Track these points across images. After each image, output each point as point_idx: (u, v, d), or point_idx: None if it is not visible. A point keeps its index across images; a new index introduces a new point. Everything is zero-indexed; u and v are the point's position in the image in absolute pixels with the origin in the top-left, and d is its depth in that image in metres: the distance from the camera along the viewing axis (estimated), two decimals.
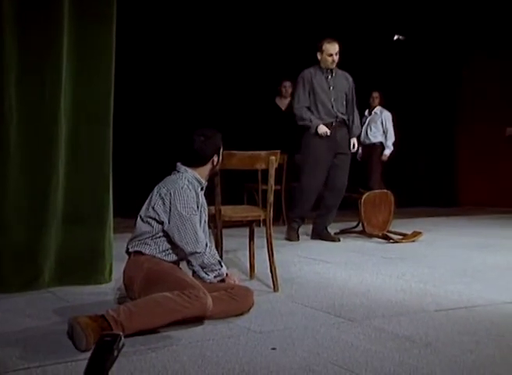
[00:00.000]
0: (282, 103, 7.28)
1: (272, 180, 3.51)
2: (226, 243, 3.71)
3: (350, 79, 5.66)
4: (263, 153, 3.56)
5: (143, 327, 2.54)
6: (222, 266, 3.03)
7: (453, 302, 3.29)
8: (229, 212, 3.60)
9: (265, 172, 3.61)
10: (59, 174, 3.45)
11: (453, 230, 6.46)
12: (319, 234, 5.59)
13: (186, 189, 2.94)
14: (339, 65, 5.58)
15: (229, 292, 2.91)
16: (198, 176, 3.07)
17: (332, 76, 5.53)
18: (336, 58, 5.46)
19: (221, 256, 3.49)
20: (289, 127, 6.78)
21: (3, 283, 3.32)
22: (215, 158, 3.11)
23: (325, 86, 5.50)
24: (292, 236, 5.53)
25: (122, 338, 2.33)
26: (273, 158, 3.51)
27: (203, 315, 2.70)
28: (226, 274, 3.07)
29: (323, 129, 5.39)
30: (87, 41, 3.52)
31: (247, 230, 3.84)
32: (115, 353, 2.24)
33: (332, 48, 5.44)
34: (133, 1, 6.39)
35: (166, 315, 2.57)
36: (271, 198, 3.53)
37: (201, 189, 3.10)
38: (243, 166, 3.58)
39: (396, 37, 9.04)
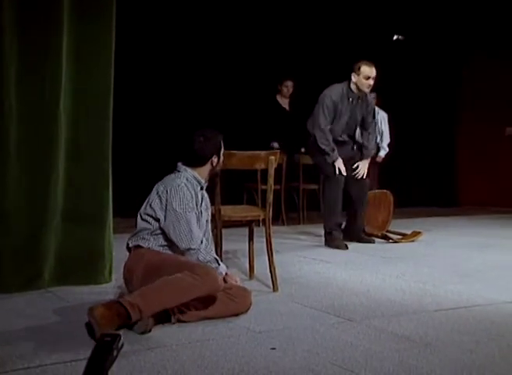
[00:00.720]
0: (283, 102, 7.28)
1: (271, 180, 3.51)
2: (226, 243, 3.71)
3: (373, 102, 5.50)
4: (262, 153, 3.57)
5: (159, 308, 2.61)
6: (219, 264, 3.02)
7: (453, 302, 3.29)
8: (229, 211, 3.60)
9: (265, 172, 3.61)
10: (59, 173, 3.46)
11: (453, 230, 6.46)
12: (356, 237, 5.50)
13: (182, 187, 2.97)
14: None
15: (227, 293, 2.91)
16: (198, 176, 3.09)
17: (356, 102, 5.32)
18: (372, 82, 5.23)
19: (220, 256, 3.49)
20: (292, 126, 6.81)
21: (3, 283, 3.31)
22: (215, 159, 3.12)
23: (344, 112, 5.27)
24: (340, 244, 5.18)
25: (122, 338, 2.34)
26: (272, 158, 3.51)
27: (215, 291, 2.76)
28: (226, 273, 3.08)
29: (340, 165, 5.19)
30: (87, 39, 3.52)
31: (246, 230, 3.84)
32: (115, 353, 2.25)
33: (371, 71, 5.19)
34: (132, 1, 6.38)
35: (180, 294, 2.64)
36: (270, 197, 3.53)
37: (201, 189, 3.11)
38: (242, 165, 3.59)
39: (395, 37, 9.03)
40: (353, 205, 5.47)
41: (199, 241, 2.96)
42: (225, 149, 3.24)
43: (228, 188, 5.03)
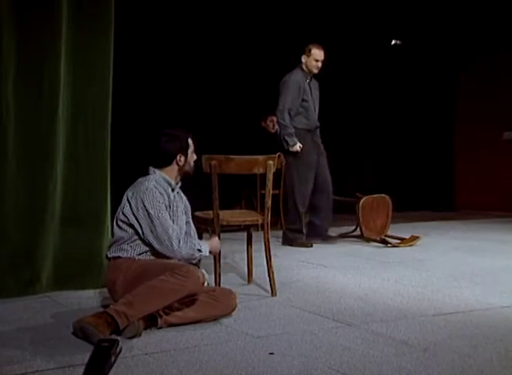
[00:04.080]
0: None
1: (269, 185, 3.51)
2: (224, 247, 3.70)
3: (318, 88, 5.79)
4: (261, 157, 3.56)
5: (145, 312, 2.62)
6: (201, 252, 2.99)
7: (451, 306, 3.28)
8: (227, 216, 3.60)
9: (264, 176, 3.61)
10: (57, 178, 3.46)
11: (451, 234, 6.46)
12: (322, 235, 5.64)
13: (151, 189, 2.94)
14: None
15: (211, 294, 2.90)
16: (167, 177, 3.05)
17: (311, 81, 5.64)
18: (320, 65, 5.56)
19: (219, 261, 3.48)
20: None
21: (1, 288, 3.31)
22: (181, 158, 3.06)
23: (308, 92, 5.58)
24: (305, 243, 5.43)
25: (120, 343, 2.34)
26: (271, 162, 3.51)
27: (198, 289, 2.76)
28: (210, 252, 3.07)
29: (296, 148, 5.43)
30: (85, 43, 3.53)
31: (245, 235, 3.84)
32: (113, 358, 2.25)
33: (320, 55, 5.52)
34: (129, 8, 6.39)
35: (164, 297, 2.65)
36: (269, 202, 3.53)
37: (172, 190, 3.07)
38: (240, 170, 3.58)
39: (393, 42, 9.05)
40: (316, 197, 5.58)
41: (177, 242, 2.91)
42: (222, 154, 3.23)
43: (226, 193, 5.03)
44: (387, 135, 9.10)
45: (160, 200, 2.94)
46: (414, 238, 5.64)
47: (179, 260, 2.95)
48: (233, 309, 2.97)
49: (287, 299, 3.42)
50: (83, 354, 2.32)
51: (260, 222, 3.63)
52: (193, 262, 3.00)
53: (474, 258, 4.89)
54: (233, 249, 4.68)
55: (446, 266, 4.57)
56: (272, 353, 2.46)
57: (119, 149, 4.80)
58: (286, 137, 5.42)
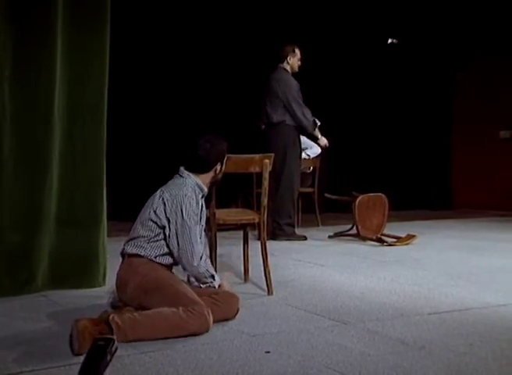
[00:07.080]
0: None
1: (266, 183, 3.51)
2: (221, 246, 3.70)
3: None
4: (257, 156, 3.56)
5: (145, 338, 2.54)
6: (214, 280, 2.97)
7: (447, 305, 3.29)
8: (224, 215, 3.60)
9: (260, 175, 3.60)
10: (53, 177, 3.45)
11: (448, 233, 6.47)
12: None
13: (189, 197, 2.92)
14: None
15: (213, 297, 2.86)
16: (200, 183, 3.03)
17: None
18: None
19: (215, 259, 3.48)
20: None
21: None
22: (218, 167, 3.08)
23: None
24: (301, 236, 5.76)
25: (116, 342, 2.33)
26: (267, 161, 3.51)
27: (203, 332, 2.67)
28: (219, 285, 3.01)
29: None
30: (81, 43, 3.53)
31: (241, 233, 3.84)
32: (109, 357, 2.24)
33: (301, 54, 5.72)
34: (126, 7, 6.38)
35: (169, 329, 2.58)
36: (265, 201, 3.53)
37: (202, 196, 3.07)
38: (237, 169, 3.58)
39: (390, 41, 9.06)
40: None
41: (199, 258, 2.89)
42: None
43: (223, 192, 5.02)
44: (384, 134, 9.11)
45: (195, 210, 2.93)
46: (411, 237, 5.65)
47: (193, 275, 2.94)
48: (236, 314, 2.93)
49: (283, 298, 3.42)
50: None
51: (256, 221, 3.63)
52: (203, 286, 2.95)
53: (471, 257, 4.90)
54: (230, 248, 4.68)
55: (442, 264, 4.57)
56: (268, 352, 2.46)
57: (116, 149, 4.81)
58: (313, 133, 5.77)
